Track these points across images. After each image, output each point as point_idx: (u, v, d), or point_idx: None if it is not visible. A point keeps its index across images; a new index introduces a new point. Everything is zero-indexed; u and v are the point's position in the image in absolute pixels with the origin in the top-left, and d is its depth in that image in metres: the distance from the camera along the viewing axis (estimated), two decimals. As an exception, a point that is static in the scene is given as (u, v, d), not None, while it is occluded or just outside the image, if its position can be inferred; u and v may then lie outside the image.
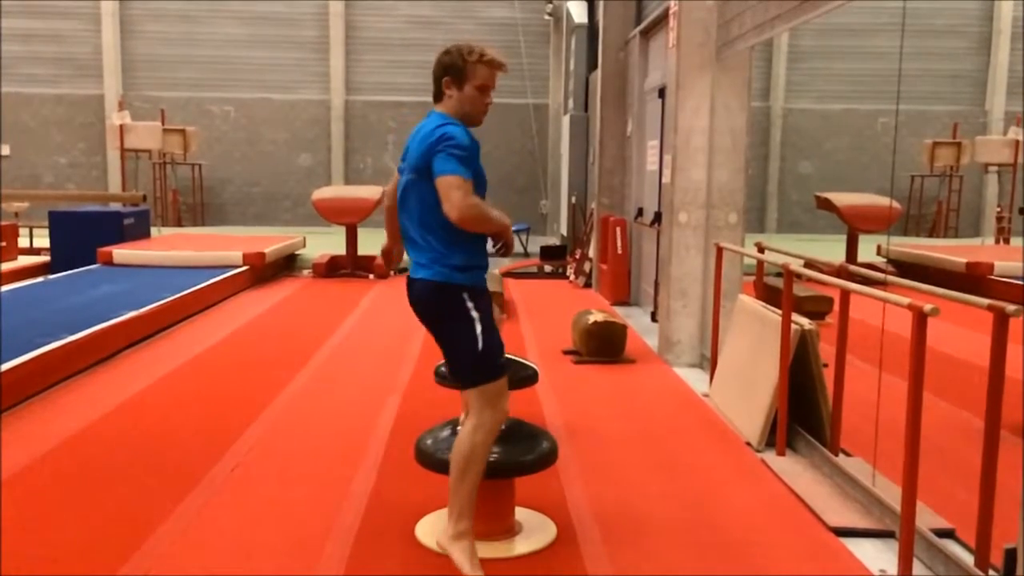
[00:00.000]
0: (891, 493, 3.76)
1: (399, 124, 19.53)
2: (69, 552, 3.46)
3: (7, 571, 3.29)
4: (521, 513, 3.79)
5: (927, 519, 3.58)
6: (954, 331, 5.55)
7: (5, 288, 9.03)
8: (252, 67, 19.20)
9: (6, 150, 19.00)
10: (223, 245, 11.87)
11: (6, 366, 5.35)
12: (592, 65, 12.60)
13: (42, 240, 12.50)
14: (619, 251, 10.13)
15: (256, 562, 3.40)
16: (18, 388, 5.45)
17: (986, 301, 3.12)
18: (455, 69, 3.14)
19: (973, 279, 10.16)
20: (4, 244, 11.66)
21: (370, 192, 12.63)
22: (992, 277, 10.26)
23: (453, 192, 2.95)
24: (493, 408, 3.18)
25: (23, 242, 12.69)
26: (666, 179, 7.27)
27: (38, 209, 14.57)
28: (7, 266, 11.04)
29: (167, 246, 11.83)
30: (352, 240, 11.95)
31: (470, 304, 3.14)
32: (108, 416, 5.35)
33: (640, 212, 10.00)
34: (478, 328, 3.12)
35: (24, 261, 11.70)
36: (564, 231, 14.78)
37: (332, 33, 19.16)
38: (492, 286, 9.29)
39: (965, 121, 18.24)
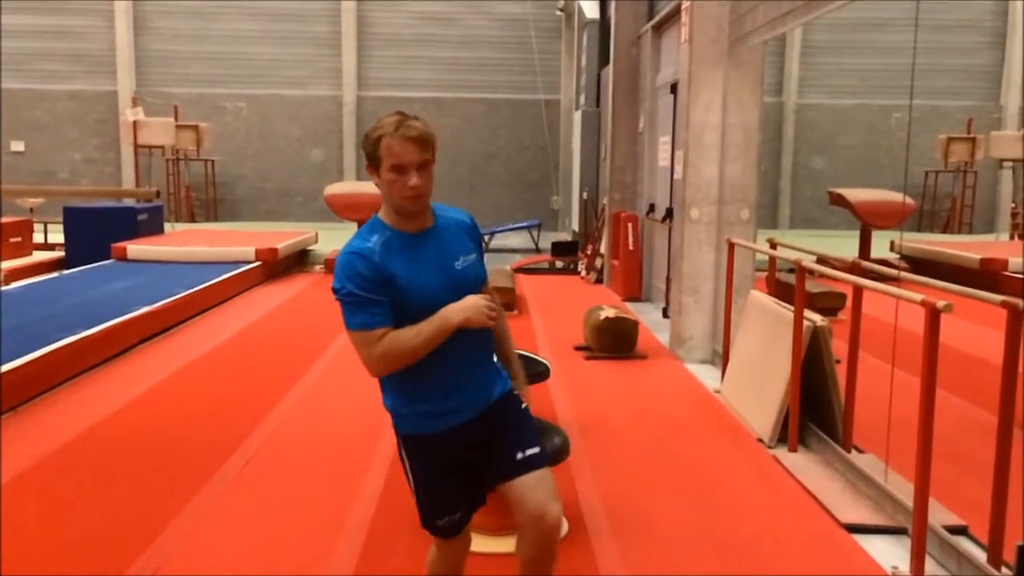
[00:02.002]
0: (903, 490, 3.75)
1: (411, 120, 19.53)
2: (83, 545, 3.49)
3: (19, 565, 3.33)
4: (532, 508, 3.79)
5: (939, 516, 3.56)
6: (968, 327, 5.53)
7: (21, 283, 9.10)
8: (264, 63, 19.26)
9: (21, 146, 19.12)
10: (236, 241, 11.91)
11: (22, 360, 5.40)
12: (604, 61, 12.58)
13: (57, 236, 12.58)
14: (631, 247, 10.12)
15: (268, 558, 3.43)
16: (35, 382, 5.49)
17: (999, 297, 3.11)
18: (367, 152, 2.35)
19: (987, 275, 10.10)
20: (19, 239, 11.74)
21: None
22: (1006, 273, 10.20)
23: (357, 350, 2.36)
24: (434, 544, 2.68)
25: (38, 237, 12.77)
26: (678, 175, 7.26)
27: (53, 205, 14.67)
28: (22, 261, 11.12)
29: (180, 242, 11.89)
30: (364, 236, 11.94)
31: (404, 455, 2.55)
32: (123, 411, 5.39)
33: (652, 208, 9.98)
34: (412, 483, 2.56)
35: (39, 256, 11.78)
36: (576, 227, 14.77)
37: (344, 29, 19.19)
38: (502, 282, 9.35)
39: (980, 116, 18.12)
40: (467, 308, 2.33)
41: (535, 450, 2.49)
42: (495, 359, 2.57)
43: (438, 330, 2.31)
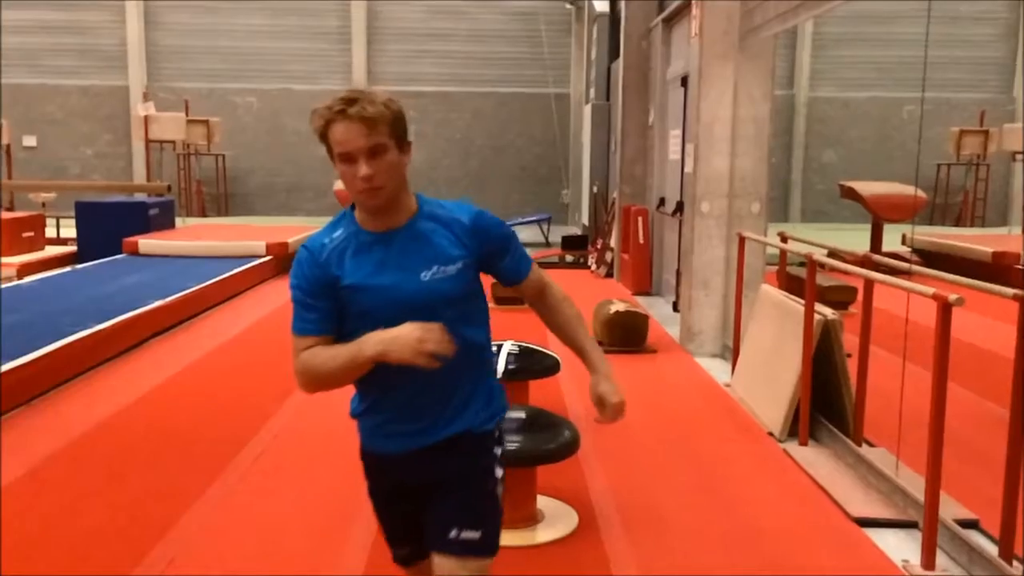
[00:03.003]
0: (914, 483, 3.74)
1: (421, 114, 19.54)
2: (96, 539, 3.52)
3: (32, 559, 3.36)
4: (543, 501, 3.81)
5: (951, 509, 3.56)
6: (980, 321, 5.50)
7: (34, 278, 9.15)
8: (274, 58, 19.29)
9: (33, 141, 19.22)
10: (246, 235, 11.96)
11: (35, 355, 5.43)
12: (614, 54, 12.55)
13: (69, 230, 12.64)
14: (641, 241, 10.11)
15: (281, 547, 3.45)
16: (48, 377, 5.53)
17: (1012, 291, 3.10)
18: (321, 140, 2.02)
19: (1000, 269, 10.05)
20: (32, 234, 11.81)
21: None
22: (1019, 267, 10.14)
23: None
24: None
25: (50, 232, 12.84)
26: (688, 168, 7.24)
27: (65, 200, 14.73)
28: (35, 256, 11.19)
29: (191, 236, 11.94)
30: (374, 230, 11.96)
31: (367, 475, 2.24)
32: (135, 405, 5.42)
33: (662, 201, 9.96)
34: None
35: (51, 251, 11.85)
36: (585, 221, 14.76)
37: (354, 23, 19.20)
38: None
39: (992, 109, 18.01)
40: (390, 340, 1.90)
41: (474, 535, 2.07)
42: (485, 381, 2.15)
43: (351, 359, 1.95)
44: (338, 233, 2.05)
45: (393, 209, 2.02)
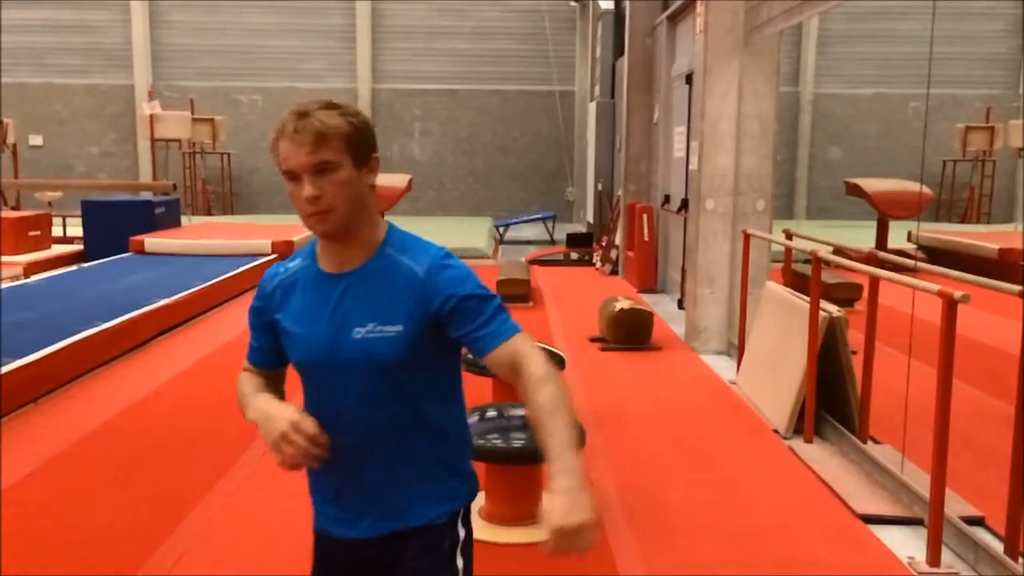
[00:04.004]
0: (920, 480, 3.74)
1: (425, 112, 19.58)
2: (103, 537, 3.54)
3: (38, 558, 3.37)
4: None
5: (956, 506, 3.56)
6: (985, 318, 5.50)
7: (40, 277, 9.18)
8: (279, 56, 19.31)
9: (39, 140, 19.27)
10: (252, 233, 11.97)
11: (41, 354, 5.45)
12: (619, 51, 12.54)
13: (75, 229, 12.68)
14: (646, 238, 10.10)
15: (287, 545, 3.46)
16: (54, 375, 5.55)
17: (1017, 288, 3.09)
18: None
19: (1005, 265, 10.03)
20: (39, 233, 11.84)
21: (397, 180, 12.65)
22: (1025, 263, 10.12)
23: None
24: None
25: (56, 231, 12.88)
26: (693, 166, 7.24)
27: (71, 198, 14.78)
28: (42, 255, 11.22)
29: (197, 235, 11.96)
30: (379, 228, 11.98)
31: None
32: (142, 402, 5.44)
33: (667, 199, 9.96)
34: None
35: (58, 250, 11.88)
36: (590, 218, 14.75)
37: (358, 22, 19.21)
38: (518, 273, 9.35)
39: (998, 105, 17.95)
40: (263, 417, 1.75)
41: None
42: (441, 470, 1.79)
43: (243, 410, 1.85)
44: (294, 264, 1.84)
45: (348, 241, 1.74)
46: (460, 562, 1.81)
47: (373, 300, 1.72)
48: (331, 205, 1.68)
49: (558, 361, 4.77)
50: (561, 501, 1.57)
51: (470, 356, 5.16)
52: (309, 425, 1.68)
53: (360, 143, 1.72)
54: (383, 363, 1.70)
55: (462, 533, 1.82)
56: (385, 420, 1.74)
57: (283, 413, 1.71)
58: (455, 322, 1.71)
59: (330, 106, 1.72)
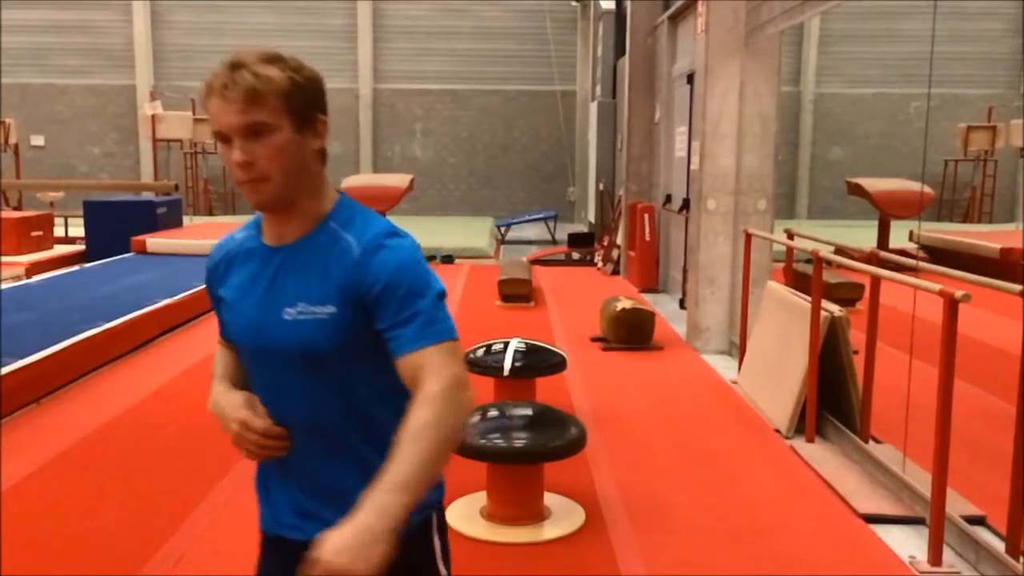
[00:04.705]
0: (921, 480, 3.74)
1: (427, 112, 19.58)
2: (103, 539, 3.54)
3: (38, 559, 3.38)
4: (550, 498, 3.82)
5: (957, 506, 3.56)
6: (987, 317, 5.49)
7: (43, 277, 9.20)
8: (281, 56, 19.30)
9: (41, 140, 19.29)
10: (254, 233, 11.96)
11: (44, 353, 5.46)
12: (620, 51, 12.54)
13: (77, 229, 12.69)
14: (647, 238, 10.11)
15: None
16: (56, 375, 5.56)
17: (1018, 287, 3.10)
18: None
19: (1007, 265, 10.02)
20: (41, 233, 11.86)
21: (399, 180, 12.68)
22: (1027, 263, 10.12)
23: None
24: None
25: (59, 231, 12.89)
26: (694, 165, 7.24)
27: (73, 199, 14.80)
28: (44, 255, 11.24)
29: (199, 235, 11.96)
30: (381, 228, 12.00)
31: None
32: (145, 402, 5.45)
33: (668, 199, 9.96)
34: None
35: (60, 250, 11.90)
36: (592, 218, 14.76)
37: (360, 22, 19.22)
38: (519, 273, 9.36)
39: (1000, 104, 17.93)
40: (219, 409, 1.62)
41: None
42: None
43: (209, 409, 1.67)
44: (240, 235, 1.67)
45: (288, 214, 1.54)
46: (444, 572, 1.65)
47: (306, 278, 1.52)
48: (265, 173, 1.48)
49: (559, 361, 4.78)
50: (345, 536, 1.34)
51: (471, 356, 5.11)
52: (258, 423, 1.55)
53: (302, 102, 1.51)
54: (314, 350, 1.51)
55: (438, 543, 1.64)
56: (323, 417, 1.54)
57: (234, 412, 1.57)
58: (377, 312, 1.49)
59: (270, 58, 1.50)
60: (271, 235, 1.59)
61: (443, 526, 1.68)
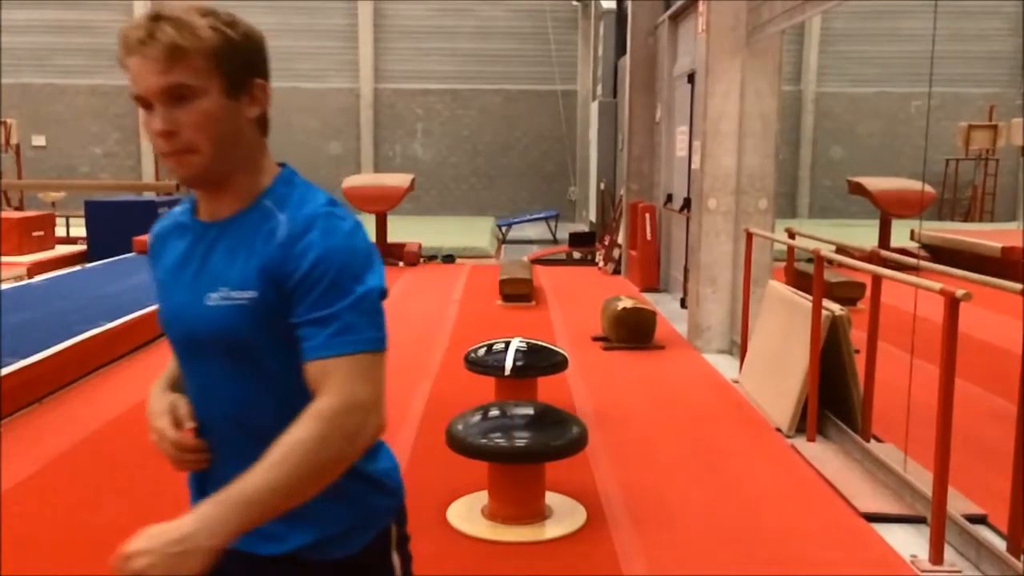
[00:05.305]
0: (922, 479, 3.74)
1: (428, 112, 19.59)
2: (109, 533, 3.54)
3: (41, 558, 3.38)
4: (551, 497, 3.82)
5: (959, 505, 3.56)
6: (988, 316, 5.49)
7: (44, 277, 9.21)
8: (281, 56, 19.29)
9: (42, 140, 19.31)
10: (255, 233, 11.97)
11: (46, 353, 5.47)
12: (621, 51, 12.54)
13: (79, 229, 12.70)
14: (648, 237, 10.11)
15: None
16: (59, 375, 5.56)
17: (1019, 286, 3.10)
18: None
19: (1009, 264, 10.02)
20: (42, 233, 11.87)
21: (399, 180, 12.68)
22: (1028, 262, 10.11)
23: None
24: None
25: (60, 231, 12.90)
26: (695, 165, 7.24)
27: (74, 199, 14.81)
28: (46, 255, 11.25)
29: (200, 235, 11.96)
30: (382, 228, 12.01)
31: None
32: (146, 402, 5.45)
33: (669, 198, 9.96)
34: None
35: (61, 250, 11.91)
36: (593, 218, 14.76)
37: (361, 21, 19.23)
38: (520, 273, 9.36)
39: (1001, 103, 17.94)
40: (148, 410, 1.46)
41: None
42: (343, 484, 1.33)
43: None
44: (178, 210, 1.49)
45: (220, 190, 1.37)
46: None
47: (230, 260, 1.34)
48: (191, 143, 1.30)
49: (561, 360, 4.78)
50: (156, 538, 1.18)
51: (473, 355, 5.12)
52: (171, 433, 1.39)
53: (236, 62, 1.31)
54: (235, 340, 1.32)
55: (397, 561, 1.48)
56: (254, 416, 1.36)
57: (153, 421, 1.41)
58: (292, 304, 1.30)
59: (199, 11, 1.30)
60: (205, 210, 1.41)
61: (403, 539, 1.50)
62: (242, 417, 1.38)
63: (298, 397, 1.30)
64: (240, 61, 1.32)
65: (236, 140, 1.34)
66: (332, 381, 1.26)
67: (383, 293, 1.33)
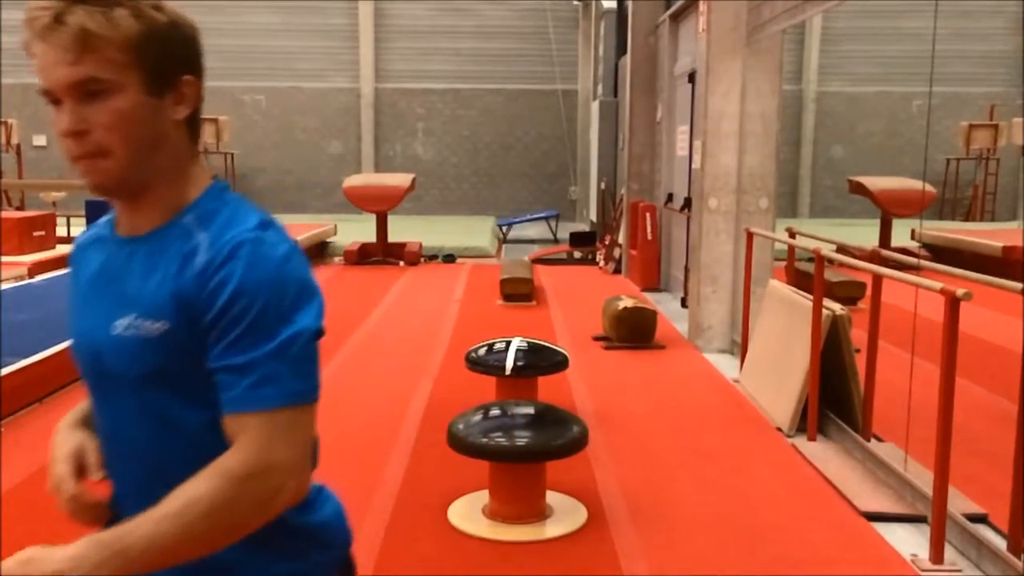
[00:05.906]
0: (923, 478, 3.75)
1: (428, 111, 19.59)
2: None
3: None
4: (552, 497, 3.82)
5: (959, 504, 3.56)
6: (989, 316, 5.49)
7: (45, 276, 9.21)
8: (282, 56, 19.33)
9: (43, 140, 19.30)
10: (256, 233, 11.95)
11: (47, 353, 5.47)
12: (622, 50, 12.54)
13: (79, 229, 12.70)
14: (649, 237, 10.11)
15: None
16: (59, 374, 5.56)
17: (1019, 286, 3.10)
18: None
19: (1009, 263, 10.02)
20: (43, 233, 11.87)
21: (400, 180, 12.68)
22: (1029, 261, 10.11)
23: None
24: None
25: (61, 231, 12.90)
26: (696, 164, 7.24)
27: (75, 199, 14.81)
28: (47, 255, 11.25)
29: (201, 234, 11.96)
30: (382, 227, 12.02)
31: None
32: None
33: (670, 198, 9.96)
34: None
35: (62, 250, 11.91)
36: (593, 217, 14.76)
37: (361, 21, 19.23)
38: (521, 273, 9.36)
39: (1002, 103, 17.93)
40: (51, 455, 1.28)
41: None
42: (269, 536, 1.19)
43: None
44: (103, 220, 1.33)
45: (139, 201, 1.20)
46: None
47: (144, 283, 1.17)
48: (103, 146, 1.15)
49: (562, 359, 4.78)
50: (36, 561, 1.08)
51: (473, 354, 5.13)
52: (66, 487, 1.24)
53: (159, 54, 1.14)
54: (143, 375, 1.16)
55: None
56: (165, 461, 1.19)
57: (53, 465, 1.25)
58: (209, 347, 1.13)
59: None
60: (123, 224, 1.24)
61: None
62: (149, 457, 1.20)
63: (209, 437, 1.15)
64: (164, 53, 1.15)
65: (157, 144, 1.17)
66: (247, 438, 1.11)
67: (317, 334, 1.16)
